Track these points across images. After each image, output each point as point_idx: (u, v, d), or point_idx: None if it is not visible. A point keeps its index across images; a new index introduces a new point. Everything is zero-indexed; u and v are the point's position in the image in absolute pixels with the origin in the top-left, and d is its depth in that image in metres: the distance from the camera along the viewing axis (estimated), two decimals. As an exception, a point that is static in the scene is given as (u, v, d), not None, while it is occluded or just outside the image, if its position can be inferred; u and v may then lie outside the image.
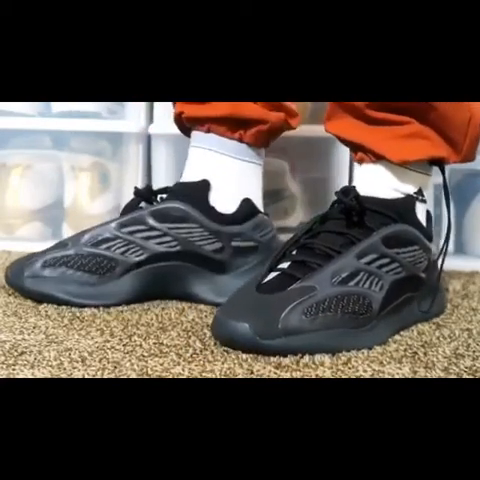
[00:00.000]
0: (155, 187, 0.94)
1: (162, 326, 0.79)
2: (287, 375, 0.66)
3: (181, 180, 0.93)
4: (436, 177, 0.86)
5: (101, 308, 0.84)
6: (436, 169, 0.85)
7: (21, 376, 0.64)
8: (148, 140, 1.21)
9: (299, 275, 0.74)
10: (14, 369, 0.65)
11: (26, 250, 0.92)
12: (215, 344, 0.73)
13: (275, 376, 0.66)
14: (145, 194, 0.92)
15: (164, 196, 0.92)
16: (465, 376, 0.68)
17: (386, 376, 0.67)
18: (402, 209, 0.82)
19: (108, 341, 0.74)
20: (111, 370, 0.66)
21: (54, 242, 0.90)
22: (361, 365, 0.69)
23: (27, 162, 1.21)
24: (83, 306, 0.85)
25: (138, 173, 1.19)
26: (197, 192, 0.91)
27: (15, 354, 0.69)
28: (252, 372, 0.66)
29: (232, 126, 0.91)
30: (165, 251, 0.88)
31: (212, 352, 0.71)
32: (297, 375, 0.66)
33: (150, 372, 0.66)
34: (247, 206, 0.92)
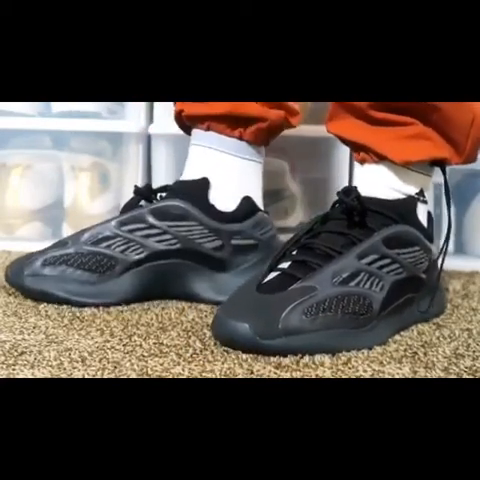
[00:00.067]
0: (155, 187, 0.94)
1: (162, 326, 0.79)
2: (287, 375, 0.66)
3: (181, 178, 0.93)
4: (435, 177, 0.86)
5: (101, 308, 0.84)
6: (436, 169, 0.85)
7: (21, 376, 0.64)
8: (148, 140, 1.21)
9: (300, 275, 0.74)
10: (14, 369, 0.65)
11: (26, 250, 0.92)
12: (215, 344, 0.73)
13: (275, 376, 0.66)
14: (145, 192, 0.92)
15: (164, 194, 0.92)
16: (465, 376, 0.68)
17: (386, 376, 0.67)
18: (403, 210, 0.82)
19: (108, 341, 0.74)
20: (111, 370, 0.66)
21: (54, 242, 0.90)
22: (361, 365, 0.69)
23: (27, 162, 1.21)
24: (83, 305, 0.85)
25: (138, 173, 1.19)
26: (197, 190, 0.91)
27: (15, 354, 0.69)
28: (252, 372, 0.66)
29: (232, 124, 0.91)
30: (165, 249, 0.88)
31: (212, 352, 0.71)
32: (297, 375, 0.66)
33: (150, 372, 0.66)
34: (247, 204, 0.92)
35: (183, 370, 0.66)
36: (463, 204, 1.18)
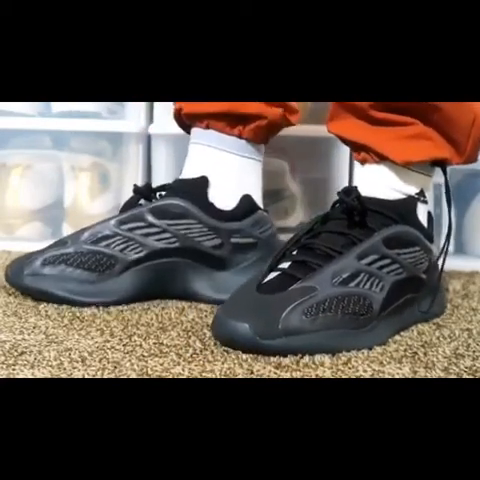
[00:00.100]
0: (155, 186, 0.94)
1: (162, 326, 0.79)
2: (287, 375, 0.66)
3: (180, 177, 0.93)
4: (435, 177, 0.86)
5: (101, 308, 0.84)
6: (436, 169, 0.85)
7: (21, 376, 0.64)
8: (148, 140, 1.21)
9: (300, 275, 0.74)
10: (14, 369, 0.65)
11: (26, 250, 0.92)
12: (215, 344, 0.73)
13: (275, 376, 0.66)
14: (144, 192, 0.92)
15: (163, 193, 0.92)
16: (465, 376, 0.68)
17: (386, 376, 0.67)
18: (403, 210, 0.82)
19: (108, 341, 0.74)
20: (111, 370, 0.66)
21: (54, 241, 0.90)
22: (361, 365, 0.69)
23: (27, 162, 1.21)
24: (83, 304, 0.85)
25: (138, 173, 1.19)
26: (196, 188, 0.91)
27: (15, 354, 0.69)
28: (252, 372, 0.66)
29: (231, 122, 0.91)
30: (164, 247, 0.88)
31: (212, 352, 0.71)
32: (297, 375, 0.66)
33: (150, 372, 0.66)
34: (247, 202, 0.92)
35: (183, 370, 0.66)
36: (463, 204, 1.18)
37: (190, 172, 0.92)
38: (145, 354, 0.70)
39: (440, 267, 0.85)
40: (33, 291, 0.86)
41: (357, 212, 0.79)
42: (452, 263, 0.87)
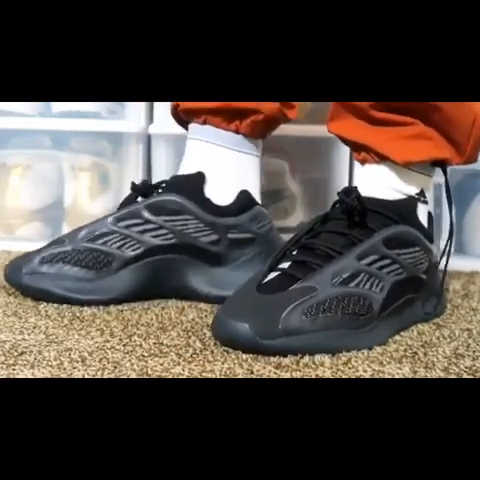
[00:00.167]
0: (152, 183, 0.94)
1: (162, 326, 0.79)
2: (287, 375, 0.66)
3: (178, 173, 0.93)
4: (435, 177, 0.86)
5: (101, 308, 0.85)
6: (437, 169, 0.85)
7: (21, 376, 0.64)
8: (148, 140, 1.21)
9: (300, 275, 0.74)
10: (14, 369, 0.65)
11: (26, 250, 0.92)
12: (215, 344, 0.73)
13: (275, 376, 0.66)
14: (142, 189, 0.92)
15: (160, 190, 0.92)
16: (465, 376, 0.68)
17: (386, 376, 0.67)
18: (403, 210, 0.81)
19: (108, 341, 0.74)
20: (111, 370, 0.66)
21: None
22: (361, 365, 0.69)
23: (27, 162, 1.21)
24: (80, 301, 0.85)
25: (138, 173, 1.19)
26: (192, 184, 0.90)
27: (15, 354, 0.69)
28: (252, 372, 0.66)
29: (228, 117, 0.90)
30: (161, 244, 0.88)
31: (212, 352, 0.71)
32: (297, 375, 0.66)
33: (150, 372, 0.66)
34: (244, 198, 0.92)
35: (183, 370, 0.66)
36: (463, 204, 1.18)
37: (187, 168, 0.92)
38: (145, 354, 0.70)
39: (444, 268, 0.85)
40: (32, 290, 0.86)
41: (357, 212, 0.79)
42: (452, 263, 0.87)
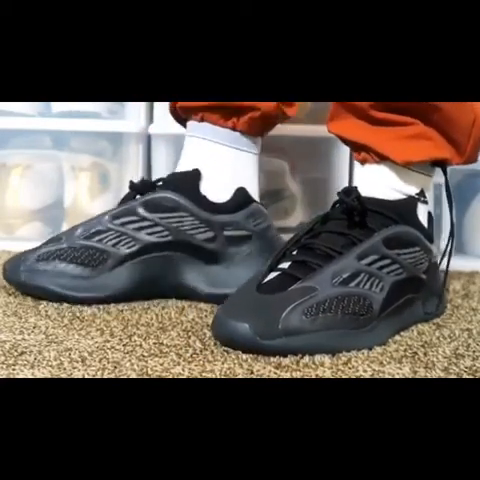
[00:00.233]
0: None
1: (162, 326, 0.79)
2: (287, 375, 0.66)
3: (175, 170, 0.93)
4: (435, 177, 0.86)
5: (101, 307, 0.85)
6: (437, 169, 0.85)
7: (21, 376, 0.64)
8: (148, 140, 1.21)
9: (300, 275, 0.74)
10: (14, 369, 0.65)
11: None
12: (215, 344, 0.73)
13: (275, 376, 0.66)
14: (140, 187, 0.92)
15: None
16: (465, 376, 0.68)
17: (386, 376, 0.67)
18: (403, 210, 0.81)
19: (108, 341, 0.74)
20: (111, 370, 0.66)
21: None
22: (361, 365, 0.69)
23: (27, 162, 1.21)
24: (76, 299, 0.85)
25: (138, 173, 1.19)
26: (188, 181, 0.90)
27: (15, 354, 0.69)
28: (252, 372, 0.66)
29: (225, 114, 0.90)
30: (156, 241, 0.88)
31: (212, 352, 0.71)
32: (297, 375, 0.66)
33: (150, 372, 0.66)
34: (240, 195, 0.91)
35: (183, 370, 0.66)
36: (463, 204, 1.18)
37: (184, 165, 0.92)
38: (145, 354, 0.70)
39: (445, 268, 0.85)
40: (29, 287, 0.86)
41: (357, 212, 0.79)
42: (452, 263, 0.87)
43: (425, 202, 0.84)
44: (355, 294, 0.74)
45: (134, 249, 0.88)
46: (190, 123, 0.93)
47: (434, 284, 0.85)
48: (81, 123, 1.19)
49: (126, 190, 0.94)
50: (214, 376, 0.65)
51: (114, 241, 0.87)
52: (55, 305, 0.84)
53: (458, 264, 1.09)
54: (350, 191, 0.80)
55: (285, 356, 0.70)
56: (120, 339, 0.74)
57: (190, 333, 0.77)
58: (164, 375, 0.65)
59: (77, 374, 0.65)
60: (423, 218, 0.84)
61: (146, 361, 0.68)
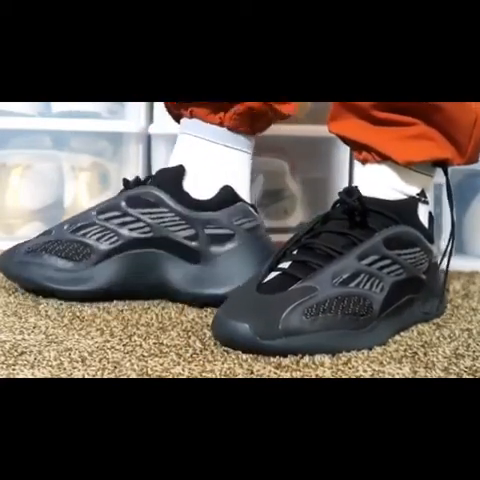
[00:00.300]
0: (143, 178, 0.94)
1: (162, 326, 0.79)
2: (287, 375, 0.66)
3: (165, 166, 0.93)
4: (435, 177, 0.86)
5: (101, 307, 0.85)
6: (438, 169, 0.85)
7: (21, 376, 0.64)
8: (148, 140, 1.21)
9: (300, 275, 0.74)
10: (14, 369, 0.65)
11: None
12: (215, 344, 0.73)
13: (275, 376, 0.66)
14: (133, 185, 0.92)
15: None
16: (465, 376, 0.68)
17: (386, 376, 0.67)
18: (404, 210, 0.81)
19: (108, 341, 0.74)
20: (111, 370, 0.66)
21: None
22: (361, 365, 0.69)
23: (27, 162, 1.21)
24: (60, 292, 0.85)
25: (138, 173, 1.19)
26: (171, 177, 0.90)
27: (15, 354, 0.69)
28: (252, 372, 0.66)
29: (213, 109, 0.90)
30: (138, 237, 0.88)
31: (212, 352, 0.71)
32: (297, 375, 0.66)
33: (150, 372, 0.66)
34: (226, 193, 0.90)
35: (183, 370, 0.66)
36: (463, 204, 1.18)
37: (172, 162, 0.92)
38: (145, 354, 0.70)
39: (445, 269, 0.85)
40: (20, 279, 0.88)
41: (358, 212, 0.79)
42: (452, 263, 0.87)
43: (426, 202, 0.84)
44: (355, 294, 0.74)
45: (116, 245, 0.87)
46: (182, 120, 0.93)
47: (434, 284, 0.85)
48: (81, 123, 1.19)
49: (125, 190, 0.94)
50: (214, 376, 0.65)
51: (98, 235, 0.88)
52: (55, 305, 0.84)
53: (458, 264, 1.09)
54: (351, 191, 0.80)
55: (285, 356, 0.70)
56: (120, 339, 0.74)
57: (190, 333, 0.77)
58: (164, 375, 0.65)
59: (77, 374, 0.65)
60: (424, 218, 0.84)
61: (146, 361, 0.68)
